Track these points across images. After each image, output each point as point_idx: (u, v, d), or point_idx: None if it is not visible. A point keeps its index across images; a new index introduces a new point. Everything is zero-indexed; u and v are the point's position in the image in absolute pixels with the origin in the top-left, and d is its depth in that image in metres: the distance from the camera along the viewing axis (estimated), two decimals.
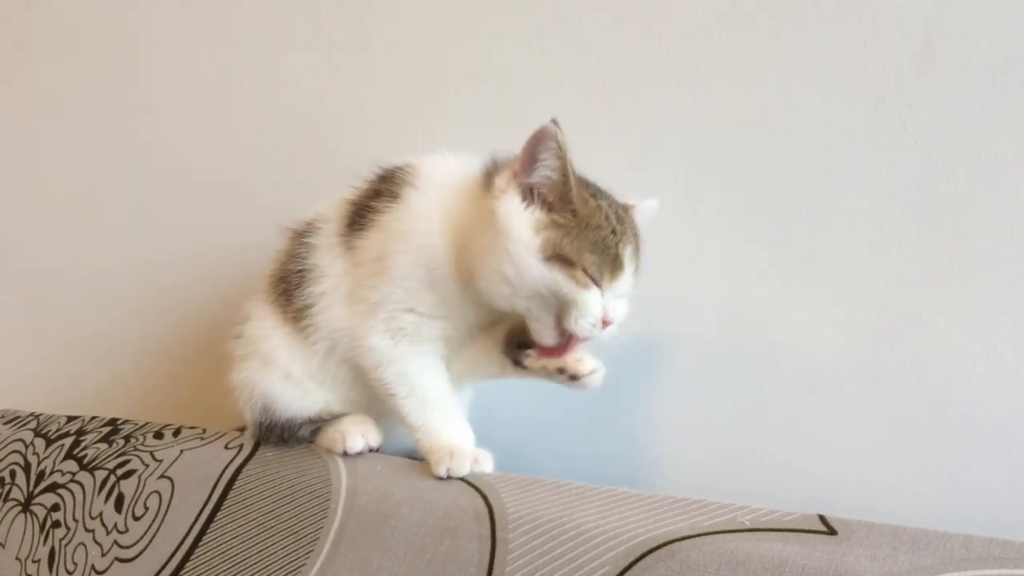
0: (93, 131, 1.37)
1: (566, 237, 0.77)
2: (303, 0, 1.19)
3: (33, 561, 0.98)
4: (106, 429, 1.06)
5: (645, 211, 0.87)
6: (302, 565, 0.79)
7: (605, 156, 0.99)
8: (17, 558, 1.00)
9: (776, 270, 0.91)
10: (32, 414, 1.16)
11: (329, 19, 1.17)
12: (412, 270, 0.82)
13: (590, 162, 0.98)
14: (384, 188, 0.86)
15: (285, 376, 0.90)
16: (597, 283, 0.78)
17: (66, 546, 0.96)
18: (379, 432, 0.90)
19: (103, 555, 0.92)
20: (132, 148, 1.33)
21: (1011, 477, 0.81)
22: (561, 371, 0.83)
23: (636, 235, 0.83)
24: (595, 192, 0.80)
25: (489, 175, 0.81)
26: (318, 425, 0.92)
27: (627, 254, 0.79)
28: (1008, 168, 0.82)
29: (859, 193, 0.87)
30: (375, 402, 0.90)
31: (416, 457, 0.88)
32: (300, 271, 0.89)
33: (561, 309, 0.79)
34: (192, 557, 0.86)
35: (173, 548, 0.88)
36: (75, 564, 0.94)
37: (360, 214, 0.86)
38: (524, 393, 0.85)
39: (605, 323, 0.79)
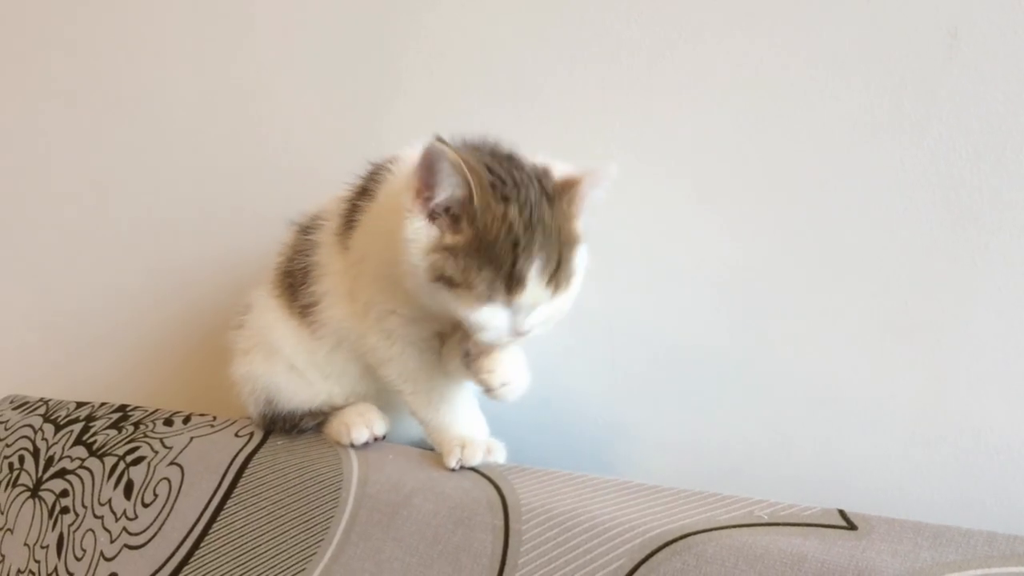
0: (105, 124, 1.37)
1: (455, 258, 0.73)
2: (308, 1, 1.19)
3: (41, 547, 0.97)
4: (116, 415, 1.05)
5: (597, 180, 0.77)
6: (313, 554, 0.79)
7: (614, 149, 0.99)
8: (26, 544, 0.99)
9: (793, 264, 0.90)
10: (41, 400, 1.16)
11: (339, 17, 1.16)
12: (383, 271, 0.80)
13: (598, 156, 0.98)
14: (368, 186, 0.85)
15: (289, 368, 0.90)
16: (491, 299, 0.74)
17: (75, 532, 0.95)
18: (384, 420, 0.90)
19: (112, 542, 0.92)
20: (144, 140, 1.33)
21: None
22: (476, 378, 0.80)
23: (554, 237, 0.74)
24: (509, 194, 0.73)
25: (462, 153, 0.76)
26: (320, 418, 0.91)
27: (533, 265, 0.73)
28: None
29: (882, 186, 0.86)
30: (383, 394, 0.90)
31: (428, 447, 0.88)
32: (304, 268, 0.88)
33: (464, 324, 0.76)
34: (202, 545, 0.86)
35: (183, 536, 0.87)
36: (84, 550, 0.93)
37: (351, 213, 0.85)
38: (536, 387, 0.84)
39: (517, 333, 0.75)
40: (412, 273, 0.75)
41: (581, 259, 0.78)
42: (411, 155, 0.80)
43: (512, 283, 0.73)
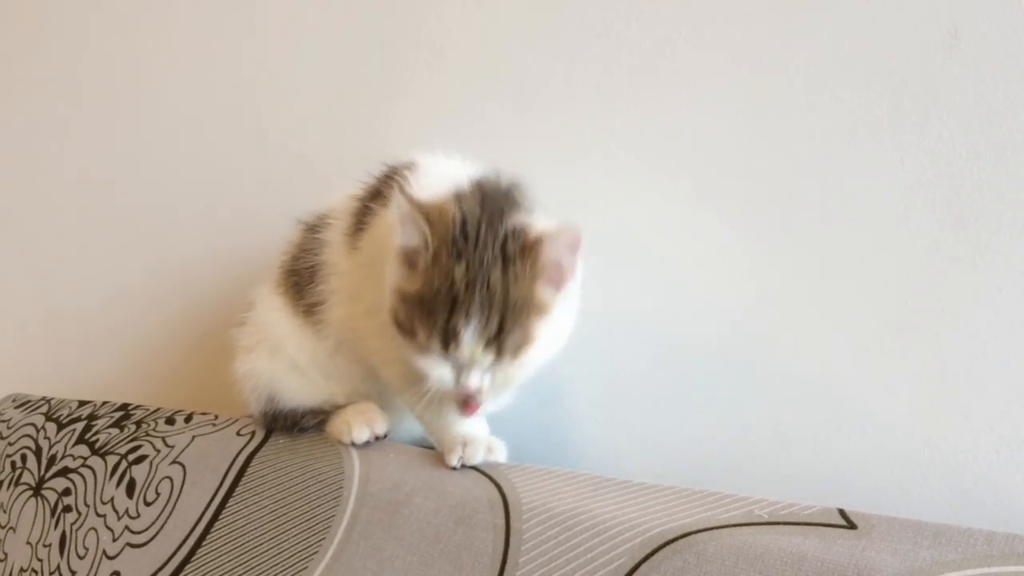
0: (107, 123, 1.37)
1: (404, 304, 0.75)
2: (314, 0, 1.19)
3: (44, 546, 0.98)
4: (118, 414, 1.06)
5: (563, 241, 0.74)
6: (314, 553, 0.79)
7: (615, 150, 0.99)
8: (28, 542, 1.00)
9: (793, 263, 0.90)
10: (43, 398, 1.17)
11: (342, 18, 1.16)
12: (391, 277, 0.81)
13: (599, 160, 0.99)
14: (381, 189, 0.85)
15: (292, 366, 0.90)
16: (430, 352, 0.75)
17: (77, 531, 0.96)
18: (385, 419, 0.90)
19: (114, 540, 0.92)
20: (145, 139, 1.33)
21: None
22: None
23: (500, 300, 0.73)
24: (462, 251, 0.73)
25: (458, 198, 0.77)
26: (322, 417, 0.91)
27: (469, 327, 0.73)
28: None
29: (882, 186, 0.86)
30: (385, 394, 0.90)
31: (429, 445, 0.88)
32: (311, 267, 0.88)
33: None
34: (204, 544, 0.86)
35: (185, 534, 0.87)
36: (86, 549, 0.94)
37: (362, 214, 0.85)
38: (536, 387, 0.84)
39: (466, 391, 0.76)
40: (384, 312, 0.78)
41: (544, 328, 0.76)
42: (429, 162, 0.83)
43: (446, 338, 0.74)
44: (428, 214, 0.74)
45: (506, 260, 0.74)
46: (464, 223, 0.75)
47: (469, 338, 0.73)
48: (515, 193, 0.80)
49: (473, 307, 0.73)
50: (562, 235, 0.74)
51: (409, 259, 0.75)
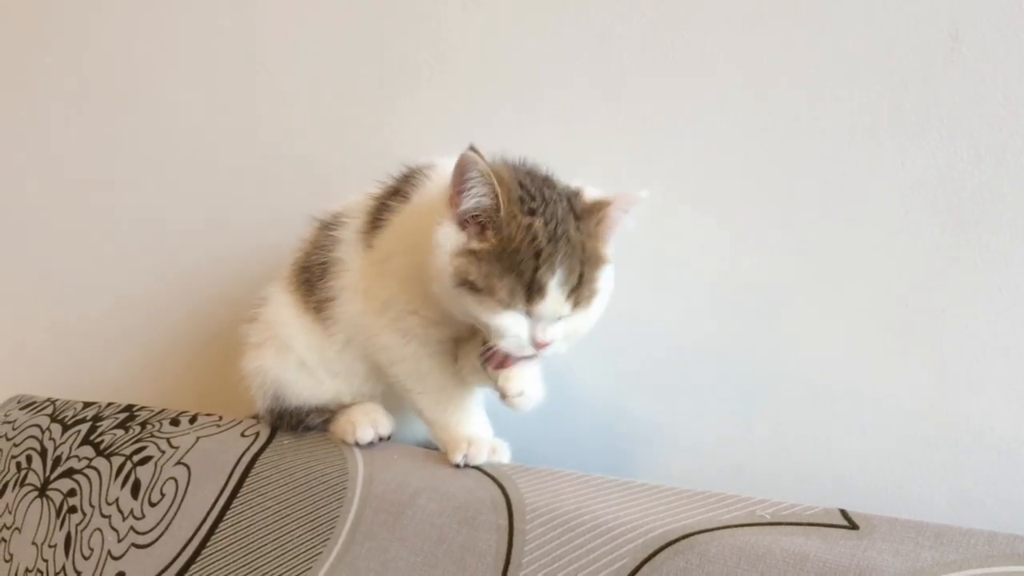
0: (112, 124, 1.37)
1: (479, 263, 0.75)
2: (318, 1, 1.19)
3: (49, 546, 0.98)
4: (122, 415, 1.06)
5: (627, 204, 0.79)
6: (318, 553, 0.79)
7: (617, 151, 0.99)
8: (33, 543, 1.00)
9: (795, 264, 0.91)
10: (48, 400, 1.17)
11: (344, 19, 1.17)
12: (410, 272, 0.82)
13: (601, 158, 0.99)
14: (401, 187, 0.86)
15: (300, 364, 0.91)
16: (511, 307, 0.76)
17: (82, 531, 0.96)
18: (390, 420, 0.90)
19: (119, 541, 0.92)
20: (151, 141, 1.33)
21: None
22: (495, 385, 0.82)
23: (578, 251, 0.76)
24: (536, 208, 0.76)
25: (500, 168, 0.79)
26: (327, 416, 0.92)
27: (554, 276, 0.75)
28: None
29: (883, 187, 0.86)
30: (390, 395, 0.91)
31: (433, 447, 0.89)
32: (324, 263, 0.89)
33: (485, 330, 0.78)
34: (208, 544, 0.86)
35: (189, 535, 0.88)
36: (91, 549, 0.94)
37: (379, 212, 0.86)
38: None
39: (539, 345, 0.77)
40: (438, 277, 0.77)
41: (606, 280, 0.80)
42: (447, 163, 0.82)
43: (532, 292, 0.75)
44: (497, 173, 0.75)
45: (576, 216, 0.77)
46: (524, 184, 0.77)
47: (554, 289, 0.75)
48: (536, 165, 0.82)
49: (557, 259, 0.75)
50: (628, 198, 0.79)
51: (477, 220, 0.76)
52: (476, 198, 0.75)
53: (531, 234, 0.75)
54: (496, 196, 0.75)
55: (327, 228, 0.91)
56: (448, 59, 1.09)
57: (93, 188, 1.39)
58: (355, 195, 0.91)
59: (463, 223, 0.76)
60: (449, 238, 0.76)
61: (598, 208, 0.79)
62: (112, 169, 1.37)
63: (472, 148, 0.74)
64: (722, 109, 0.94)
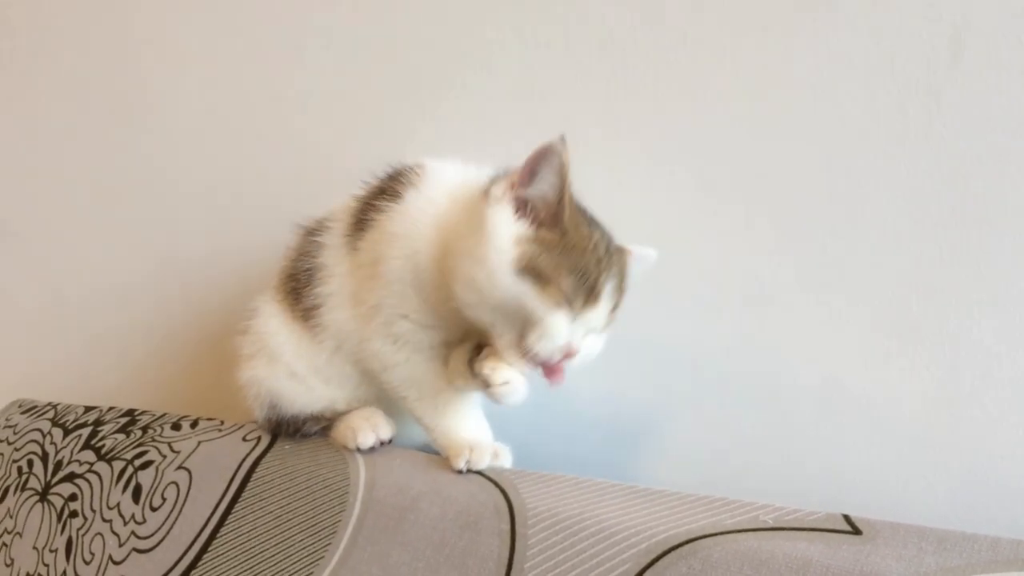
0: (114, 128, 1.37)
1: (546, 254, 0.75)
2: (322, 1, 1.19)
3: (50, 551, 0.98)
4: (124, 420, 1.06)
5: (641, 259, 0.84)
6: (320, 558, 0.79)
7: (622, 153, 0.99)
8: (34, 547, 1.00)
9: (797, 268, 0.91)
10: (50, 404, 1.17)
11: (347, 19, 1.17)
12: (402, 275, 0.81)
13: (601, 166, 0.99)
14: (389, 187, 0.85)
15: (290, 374, 0.90)
16: (569, 306, 0.75)
17: (83, 536, 0.96)
18: (390, 424, 0.89)
19: (120, 545, 0.92)
20: (152, 144, 1.34)
21: None
22: (478, 376, 0.81)
23: (622, 275, 0.80)
24: (590, 221, 0.79)
25: (491, 184, 0.79)
26: (324, 423, 0.91)
27: (607, 287, 0.77)
28: None
29: (885, 192, 0.86)
30: (386, 399, 0.90)
31: (433, 451, 0.88)
32: (309, 270, 0.88)
33: (525, 326, 0.76)
34: (209, 549, 0.86)
35: (191, 540, 0.88)
36: (92, 554, 0.94)
37: (364, 213, 0.85)
38: (540, 391, 0.85)
39: (569, 353, 0.77)
40: (487, 260, 0.75)
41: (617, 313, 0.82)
42: (436, 165, 0.84)
43: (591, 295, 0.76)
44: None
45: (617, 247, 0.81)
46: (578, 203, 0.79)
47: (606, 299, 0.78)
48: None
49: (612, 272, 0.78)
50: (639, 253, 0.84)
51: (534, 211, 0.76)
52: (545, 187, 0.75)
53: (592, 242, 0.77)
54: (563, 193, 0.75)
55: (311, 234, 0.89)
56: (454, 64, 1.09)
57: (93, 193, 1.40)
58: (337, 200, 0.90)
59: (520, 208, 0.76)
60: (506, 222, 0.75)
61: (621, 251, 0.82)
62: (114, 173, 1.37)
63: (562, 138, 0.74)
64: (724, 111, 0.94)
